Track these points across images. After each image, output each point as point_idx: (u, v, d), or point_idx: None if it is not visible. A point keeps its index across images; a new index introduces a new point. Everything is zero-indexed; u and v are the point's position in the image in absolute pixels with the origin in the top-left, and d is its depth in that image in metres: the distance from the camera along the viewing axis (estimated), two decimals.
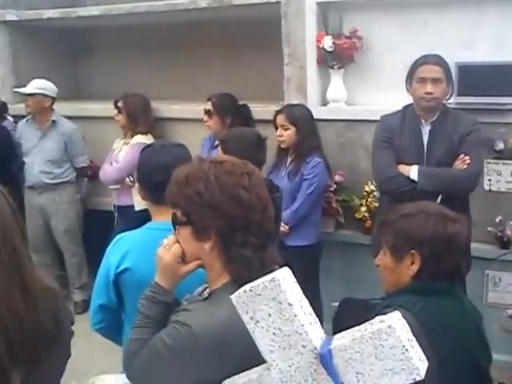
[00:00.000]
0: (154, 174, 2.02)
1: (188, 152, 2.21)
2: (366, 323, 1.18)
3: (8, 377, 1.34)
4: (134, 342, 1.52)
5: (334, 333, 1.23)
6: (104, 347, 2.69)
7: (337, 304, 2.70)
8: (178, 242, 1.56)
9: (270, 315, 1.22)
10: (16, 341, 1.34)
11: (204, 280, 1.63)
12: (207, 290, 1.58)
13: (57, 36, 5.60)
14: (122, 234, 2.12)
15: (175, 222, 1.55)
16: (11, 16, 5.17)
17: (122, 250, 2.03)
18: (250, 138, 3.13)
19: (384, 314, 1.22)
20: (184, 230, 1.53)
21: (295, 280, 1.26)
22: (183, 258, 1.56)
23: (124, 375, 1.53)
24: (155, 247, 1.73)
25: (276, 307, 1.21)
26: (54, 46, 5.63)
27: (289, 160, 3.84)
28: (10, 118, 5.12)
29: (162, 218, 2.00)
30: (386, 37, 3.95)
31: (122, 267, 1.99)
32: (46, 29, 5.41)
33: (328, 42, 3.89)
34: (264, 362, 1.27)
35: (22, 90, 4.66)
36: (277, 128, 3.79)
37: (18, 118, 5.06)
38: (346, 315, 2.49)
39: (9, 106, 5.14)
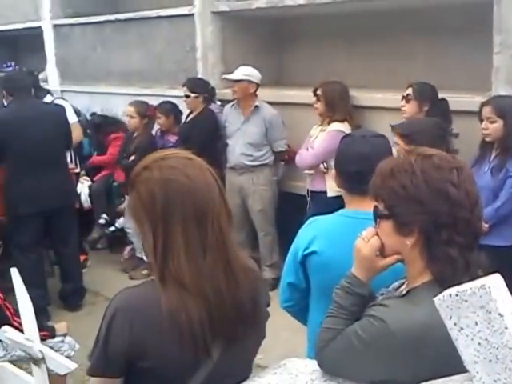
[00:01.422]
0: (351, 164, 2.00)
1: (388, 143, 2.15)
2: None
3: (209, 350, 1.41)
4: (327, 331, 1.50)
5: None
6: (290, 327, 2.74)
7: None
8: (377, 234, 1.50)
9: (476, 324, 1.13)
10: (217, 317, 1.40)
11: (400, 275, 1.57)
12: (404, 286, 1.51)
13: (263, 25, 5.78)
14: (314, 218, 2.15)
15: (376, 215, 1.50)
16: (223, 7, 5.44)
17: (312, 232, 2.04)
18: (433, 128, 3.00)
19: None
20: (385, 224, 1.47)
21: (507, 289, 1.14)
22: (382, 252, 1.50)
23: (315, 362, 1.53)
24: (344, 234, 1.71)
25: (484, 316, 1.12)
26: (260, 35, 5.82)
27: (493, 155, 3.55)
28: (217, 102, 5.42)
29: (355, 207, 2.00)
30: None
31: (309, 249, 2.01)
32: (253, 18, 5.61)
33: None
34: (464, 371, 1.18)
35: (230, 76, 4.89)
36: (482, 120, 3.52)
37: (224, 102, 5.34)
38: None
39: (217, 91, 5.43)
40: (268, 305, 1.61)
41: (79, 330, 3.46)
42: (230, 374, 1.48)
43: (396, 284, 1.57)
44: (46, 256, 5.16)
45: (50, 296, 4.78)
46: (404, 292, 1.46)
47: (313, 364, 1.53)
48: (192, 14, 5.69)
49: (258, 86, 4.86)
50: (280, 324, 2.44)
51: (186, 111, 5.39)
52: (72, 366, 2.58)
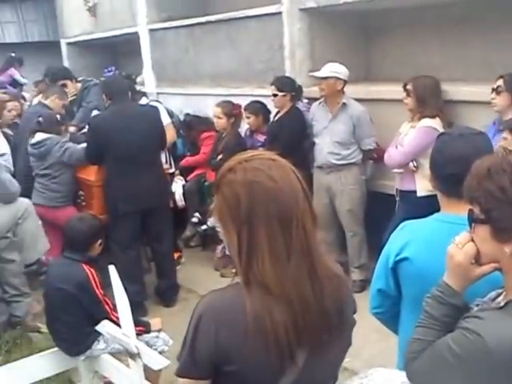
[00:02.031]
0: (448, 165, 1.85)
1: (489, 141, 2.00)
2: None
3: (294, 356, 1.38)
4: (417, 342, 1.43)
5: None
6: (379, 329, 2.66)
7: None
8: (472, 240, 1.41)
9: None
10: (302, 324, 1.37)
11: (496, 285, 1.47)
12: (502, 297, 1.41)
13: (350, 20, 5.66)
14: (408, 222, 2.03)
15: (471, 219, 1.40)
16: (311, 3, 5.37)
17: (404, 238, 1.94)
18: None
19: None
20: (481, 229, 1.38)
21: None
22: (477, 259, 1.41)
23: (403, 373, 1.46)
24: (441, 240, 1.61)
25: None
26: (347, 30, 5.70)
27: None
28: (304, 100, 5.37)
29: (452, 211, 1.85)
30: None
31: (401, 255, 1.91)
32: (340, 13, 5.50)
33: None
34: None
35: (317, 73, 4.82)
36: None
37: (311, 100, 5.28)
38: None
39: (304, 88, 5.38)
40: (354, 312, 1.56)
41: (173, 325, 3.53)
42: (315, 380, 1.45)
43: (493, 294, 1.48)
44: (144, 253, 5.33)
45: (147, 291, 4.94)
46: (502, 304, 1.37)
47: (401, 375, 1.47)
48: (279, 13, 5.66)
49: (345, 82, 4.76)
50: (368, 326, 2.37)
51: (273, 110, 5.38)
52: (165, 362, 2.65)
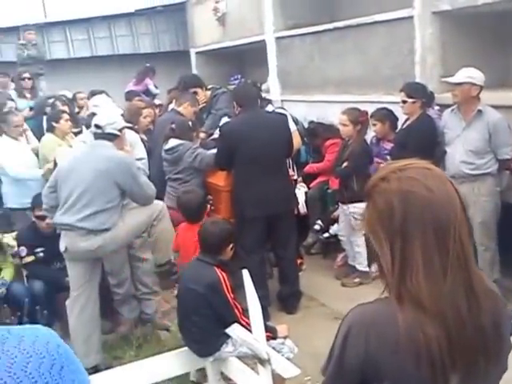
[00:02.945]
0: None
1: None
2: None
3: (447, 376, 1.30)
4: None
5: None
6: None
7: None
8: None
9: None
10: (457, 342, 1.29)
11: None
12: None
13: (486, 22, 5.36)
14: None
15: None
16: (445, 6, 5.15)
17: None
18: None
19: None
20: None
21: None
22: None
23: None
24: None
25: None
26: (482, 33, 5.41)
27: None
28: (435, 107, 5.16)
29: None
30: None
31: None
32: (475, 16, 5.23)
33: None
34: None
35: (451, 79, 4.61)
36: None
37: (443, 107, 5.06)
38: None
39: (435, 95, 5.17)
40: (511, 333, 1.44)
41: (294, 332, 3.52)
42: None
43: None
44: (267, 258, 5.38)
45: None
46: None
47: None
48: (411, 17, 5.50)
49: (481, 88, 4.50)
50: None
51: (401, 117, 5.22)
52: (295, 371, 2.63)
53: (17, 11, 10.04)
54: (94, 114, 4.65)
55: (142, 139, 5.28)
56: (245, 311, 3.22)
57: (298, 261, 5.46)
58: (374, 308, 1.40)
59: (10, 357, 0.95)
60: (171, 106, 6.72)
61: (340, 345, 1.38)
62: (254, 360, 3.16)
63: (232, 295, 3.22)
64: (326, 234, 5.88)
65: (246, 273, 2.88)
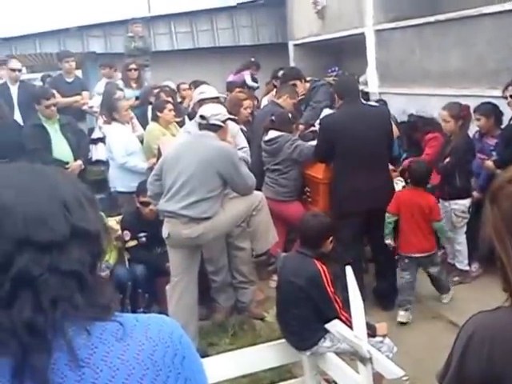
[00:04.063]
0: None
1: None
2: None
3: None
4: None
5: None
6: None
7: None
8: None
9: None
10: None
11: None
12: None
13: None
14: None
15: None
16: None
17: None
18: None
19: None
20: None
21: None
22: None
23: None
24: None
25: None
26: None
27: None
28: None
29: None
30: None
31: None
32: None
33: None
34: None
35: None
36: None
37: None
38: None
39: None
40: None
41: (390, 329, 3.35)
42: None
43: None
44: (362, 252, 5.21)
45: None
46: None
47: None
48: None
49: None
50: None
51: (507, 113, 4.89)
52: (399, 372, 2.49)
53: (123, 6, 10.42)
54: (202, 101, 4.67)
55: (241, 130, 5.27)
56: (344, 306, 3.11)
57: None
58: (498, 316, 1.28)
59: (138, 344, 0.97)
60: (266, 98, 6.70)
61: (460, 352, 1.28)
62: (350, 357, 3.05)
63: (332, 289, 3.12)
64: None
65: (348, 269, 2.77)
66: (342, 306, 3.10)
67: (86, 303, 0.94)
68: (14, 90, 6.60)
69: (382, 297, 4.74)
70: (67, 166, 5.53)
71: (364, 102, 5.37)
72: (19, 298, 0.89)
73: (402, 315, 4.43)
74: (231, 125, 4.44)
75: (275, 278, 4.41)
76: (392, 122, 5.44)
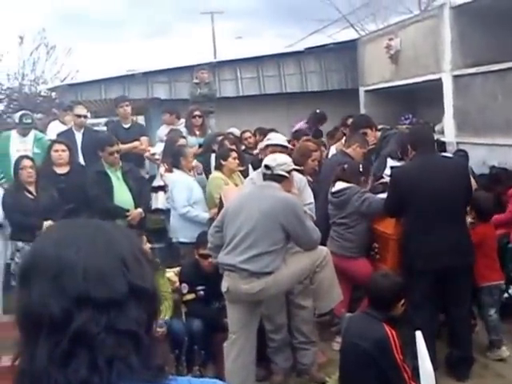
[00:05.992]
0: None
1: None
2: None
3: None
4: None
5: None
6: None
7: None
8: None
9: None
10: None
11: None
12: None
13: None
14: None
15: None
16: None
17: None
18: None
19: None
20: None
21: None
22: None
23: None
24: None
25: None
26: None
27: None
28: None
29: None
30: None
31: None
32: None
33: None
34: None
35: None
36: None
37: None
38: None
39: None
40: None
41: None
42: None
43: None
44: (435, 316, 5.06)
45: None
46: None
47: None
48: None
49: None
50: None
51: None
52: None
53: (189, 52, 10.88)
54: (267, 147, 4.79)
55: (308, 181, 5.31)
56: (413, 375, 3.03)
57: (471, 321, 5.08)
58: None
59: None
60: (334, 147, 6.71)
61: None
62: None
63: (401, 356, 3.05)
64: (506, 295, 5.41)
65: (419, 334, 2.72)
66: (411, 375, 3.03)
67: (142, 364, 0.96)
68: (78, 136, 6.90)
69: (456, 366, 4.57)
70: (128, 214, 5.74)
71: (439, 153, 5.32)
72: (76, 356, 0.93)
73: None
74: (298, 177, 4.50)
75: (339, 339, 4.35)
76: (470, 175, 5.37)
